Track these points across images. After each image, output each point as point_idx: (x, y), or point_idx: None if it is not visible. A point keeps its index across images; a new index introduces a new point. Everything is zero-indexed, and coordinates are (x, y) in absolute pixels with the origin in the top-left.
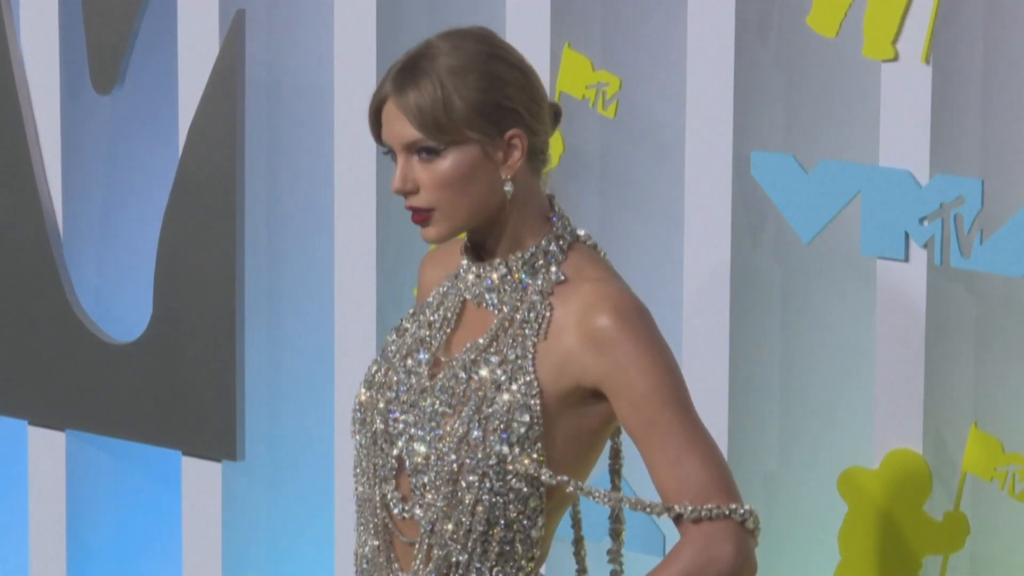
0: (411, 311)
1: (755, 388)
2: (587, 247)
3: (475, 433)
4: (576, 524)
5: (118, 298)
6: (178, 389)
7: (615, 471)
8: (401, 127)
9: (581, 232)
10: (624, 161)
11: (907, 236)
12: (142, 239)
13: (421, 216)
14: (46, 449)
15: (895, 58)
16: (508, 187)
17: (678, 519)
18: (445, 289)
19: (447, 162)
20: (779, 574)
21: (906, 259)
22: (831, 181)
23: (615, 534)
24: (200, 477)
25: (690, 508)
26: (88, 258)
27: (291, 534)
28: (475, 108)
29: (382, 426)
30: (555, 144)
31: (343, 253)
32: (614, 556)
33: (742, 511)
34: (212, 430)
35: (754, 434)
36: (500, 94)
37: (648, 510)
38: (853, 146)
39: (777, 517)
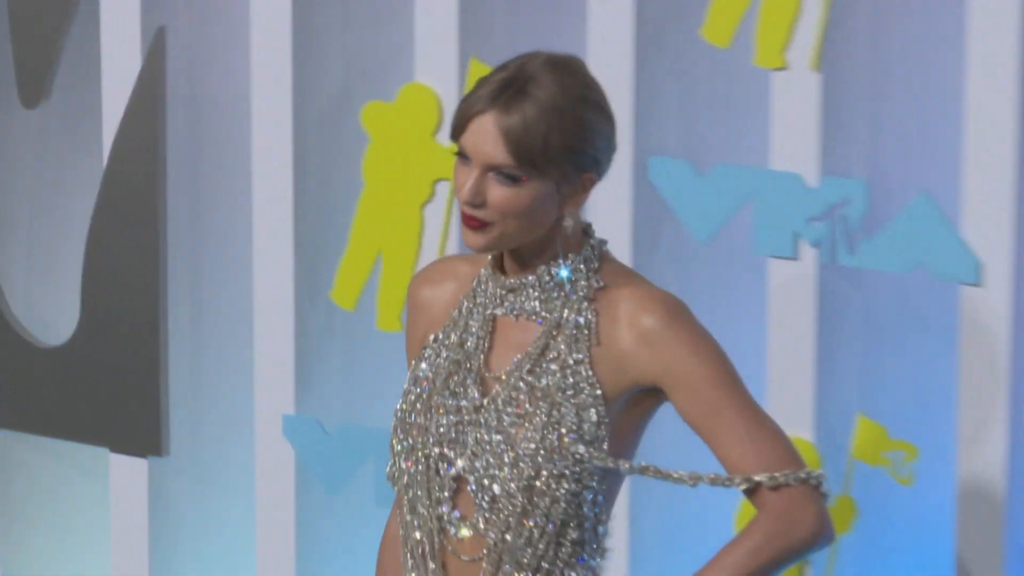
0: (432, 338)
1: None
2: (609, 253)
3: (551, 438)
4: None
5: (46, 303)
6: (105, 389)
7: None
8: (493, 147)
9: (606, 242)
10: None
11: (797, 236)
12: (68, 247)
13: (476, 224)
14: None
15: (785, 67)
16: (568, 221)
17: (757, 489)
18: (466, 310)
19: (524, 191)
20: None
21: (796, 257)
22: (725, 184)
23: None
24: (127, 472)
25: (767, 476)
26: (17, 265)
27: (214, 525)
28: (566, 151)
29: (437, 450)
30: None
31: (261, 258)
32: None
33: (816, 475)
34: (138, 428)
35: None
36: (590, 143)
37: (728, 483)
38: (745, 151)
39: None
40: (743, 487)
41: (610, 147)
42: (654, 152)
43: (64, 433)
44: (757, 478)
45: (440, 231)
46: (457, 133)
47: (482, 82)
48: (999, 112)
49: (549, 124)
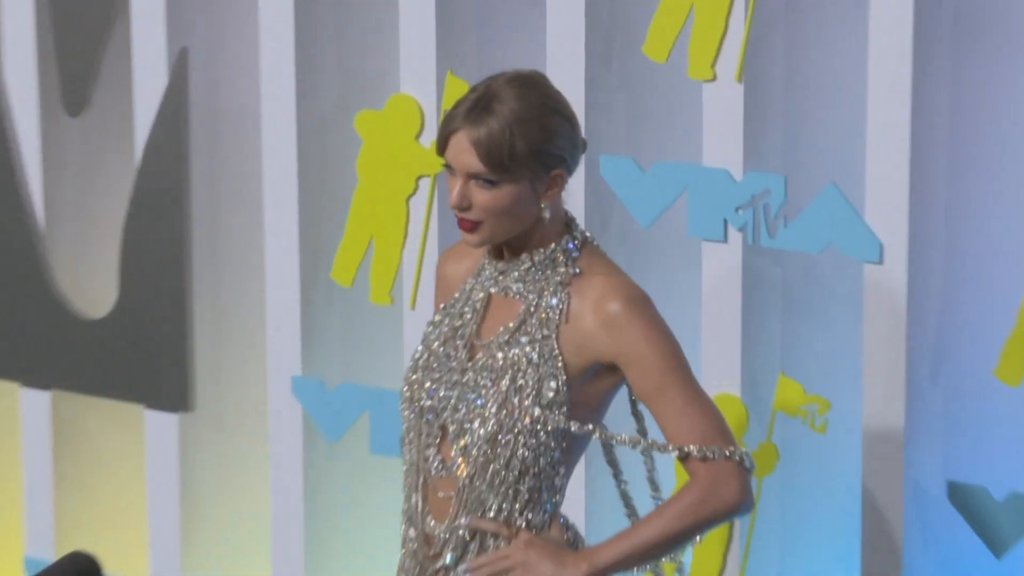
0: (442, 307)
1: None
2: (594, 247)
3: (513, 401)
4: (614, 468)
5: (89, 283)
6: (140, 355)
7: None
8: (468, 158)
9: (588, 234)
10: None
11: (725, 222)
12: (107, 235)
13: (469, 226)
14: (37, 405)
15: (713, 79)
16: (546, 213)
17: (687, 458)
18: (470, 286)
19: (502, 192)
20: None
21: (725, 240)
22: (663, 178)
23: (654, 488)
24: (159, 426)
25: (696, 449)
26: (64, 252)
27: (234, 470)
28: (532, 154)
29: (428, 402)
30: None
31: (271, 243)
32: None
33: (740, 452)
34: (168, 387)
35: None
36: (553, 144)
37: (662, 450)
38: (681, 150)
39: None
40: (676, 455)
41: (574, 145)
42: (603, 151)
43: (106, 393)
44: (688, 449)
45: (423, 220)
46: (441, 150)
47: (457, 104)
48: (896, 116)
49: (513, 133)
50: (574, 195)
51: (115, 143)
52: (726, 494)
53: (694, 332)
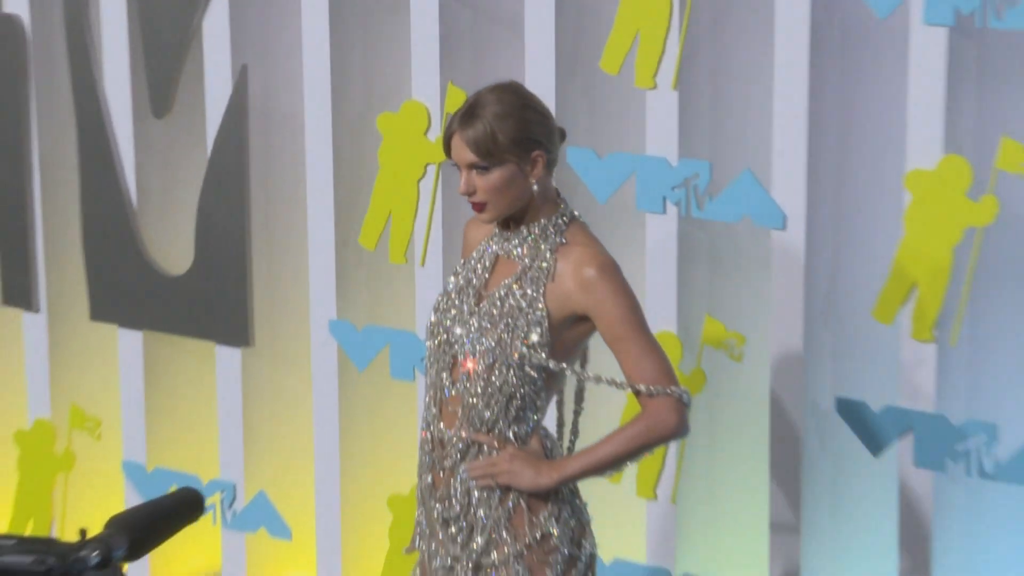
0: (462, 261)
1: None
2: (581, 223)
3: (505, 339)
4: (579, 399)
5: (172, 247)
6: (212, 302)
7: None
8: (465, 153)
9: (576, 212)
10: None
11: (664, 198)
12: (186, 210)
13: (478, 207)
14: (131, 343)
15: (654, 87)
16: (534, 187)
17: (638, 394)
18: (483, 248)
19: (494, 175)
20: None
21: (664, 212)
22: (616, 165)
23: (578, 408)
24: (227, 358)
25: (645, 387)
26: (153, 225)
27: (283, 395)
28: (512, 141)
29: (444, 336)
30: None
31: (313, 217)
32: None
33: (680, 391)
34: (234, 328)
35: None
36: (529, 132)
37: (620, 386)
38: (629, 142)
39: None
40: (629, 391)
41: (550, 131)
42: (570, 144)
43: (185, 332)
44: (639, 387)
45: (430, 198)
46: (447, 151)
47: (454, 113)
48: (795, 116)
49: (494, 128)
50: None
51: (191, 139)
52: (667, 423)
53: (640, 284)
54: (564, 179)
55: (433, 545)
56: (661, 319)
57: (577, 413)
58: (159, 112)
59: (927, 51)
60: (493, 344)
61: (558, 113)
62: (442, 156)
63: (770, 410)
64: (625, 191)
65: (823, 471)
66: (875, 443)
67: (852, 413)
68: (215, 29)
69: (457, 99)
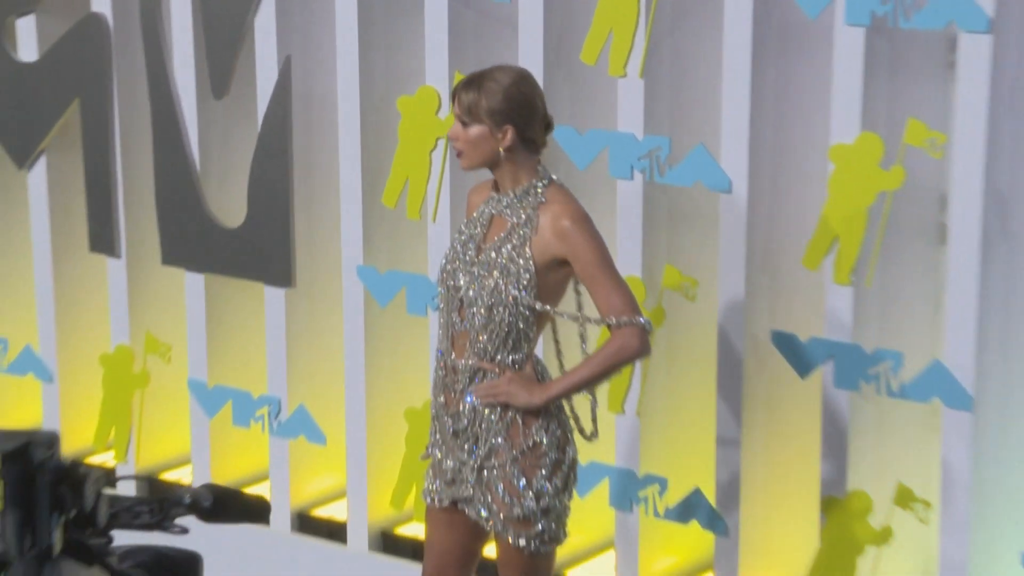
0: (466, 221)
1: None
2: (558, 184)
3: (500, 284)
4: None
5: (229, 205)
6: (260, 250)
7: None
8: (457, 106)
9: (555, 176)
10: None
11: (632, 167)
12: (241, 174)
13: (459, 154)
14: (195, 283)
15: (625, 75)
16: (501, 152)
17: (609, 326)
18: (481, 210)
19: (471, 130)
20: None
21: (631, 178)
22: (593, 139)
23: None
24: (274, 298)
25: (615, 319)
26: (214, 187)
27: (318, 329)
28: (489, 110)
29: (452, 283)
30: None
31: (345, 180)
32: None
33: (643, 320)
34: (279, 271)
35: None
36: (504, 107)
37: (595, 322)
38: (604, 121)
39: None
40: (601, 324)
41: (528, 116)
42: (556, 123)
43: (239, 274)
44: (609, 320)
45: (440, 166)
46: (452, 104)
47: (465, 77)
48: (740, 99)
49: (482, 95)
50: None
51: (244, 116)
52: (633, 347)
53: (611, 237)
54: (552, 150)
55: (444, 451)
56: (629, 266)
57: (557, 344)
58: (218, 94)
59: (848, 46)
60: (492, 288)
61: (547, 97)
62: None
63: (717, 340)
64: (600, 161)
65: (760, 390)
66: (802, 368)
67: (784, 343)
68: (264, 26)
69: None
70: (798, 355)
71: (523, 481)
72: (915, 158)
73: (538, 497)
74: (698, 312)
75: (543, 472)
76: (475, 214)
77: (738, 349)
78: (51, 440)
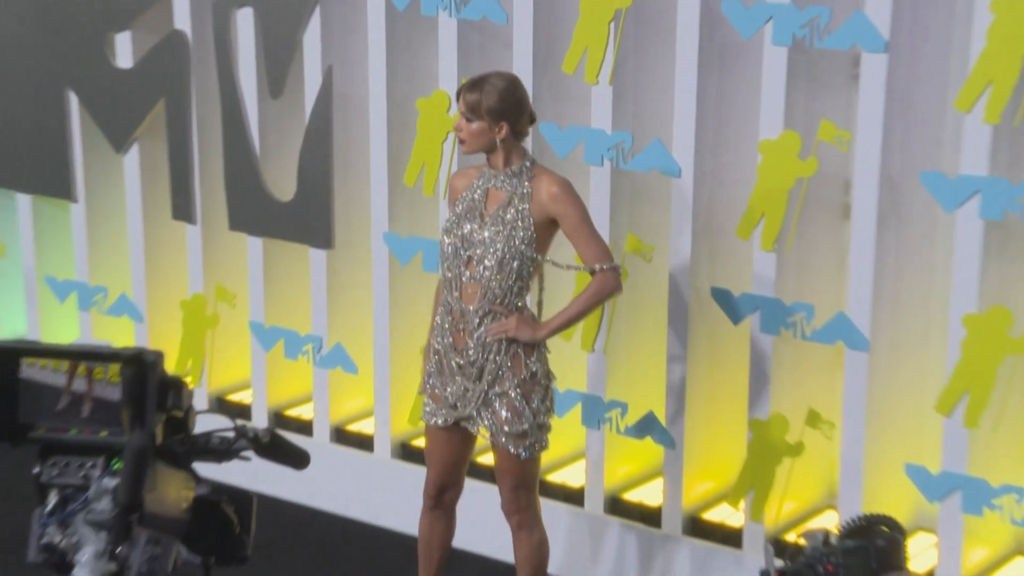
0: (462, 195)
1: None
2: (540, 164)
3: (507, 241)
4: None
5: (283, 182)
6: (307, 218)
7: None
8: (464, 105)
9: (535, 160)
10: None
11: (602, 156)
12: (290, 161)
13: (462, 141)
14: (256, 245)
15: (597, 83)
16: (498, 143)
17: (592, 271)
18: (475, 187)
19: (474, 125)
20: None
21: (602, 165)
22: (572, 134)
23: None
24: (318, 259)
25: (598, 266)
26: (270, 166)
27: (350, 285)
28: (489, 109)
29: (459, 243)
30: None
31: (375, 165)
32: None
33: (617, 264)
34: (321, 234)
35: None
36: (500, 108)
37: (580, 269)
38: (580, 119)
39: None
40: (585, 270)
41: (518, 114)
42: (541, 121)
43: (290, 238)
44: (593, 266)
45: (449, 155)
46: (458, 100)
47: (467, 81)
48: (689, 103)
49: (483, 97)
50: (527, 143)
51: (295, 112)
52: (610, 286)
53: (589, 205)
54: (539, 143)
55: (444, 382)
56: (599, 230)
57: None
58: (274, 95)
59: (774, 61)
60: (503, 244)
61: (534, 99)
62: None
63: (668, 294)
64: (577, 151)
65: (702, 334)
66: (735, 316)
67: (721, 296)
68: (311, 41)
69: None
70: (732, 306)
71: (524, 403)
72: (826, 151)
73: (534, 415)
74: (653, 271)
75: (538, 396)
76: (467, 193)
77: (685, 301)
78: (158, 355)
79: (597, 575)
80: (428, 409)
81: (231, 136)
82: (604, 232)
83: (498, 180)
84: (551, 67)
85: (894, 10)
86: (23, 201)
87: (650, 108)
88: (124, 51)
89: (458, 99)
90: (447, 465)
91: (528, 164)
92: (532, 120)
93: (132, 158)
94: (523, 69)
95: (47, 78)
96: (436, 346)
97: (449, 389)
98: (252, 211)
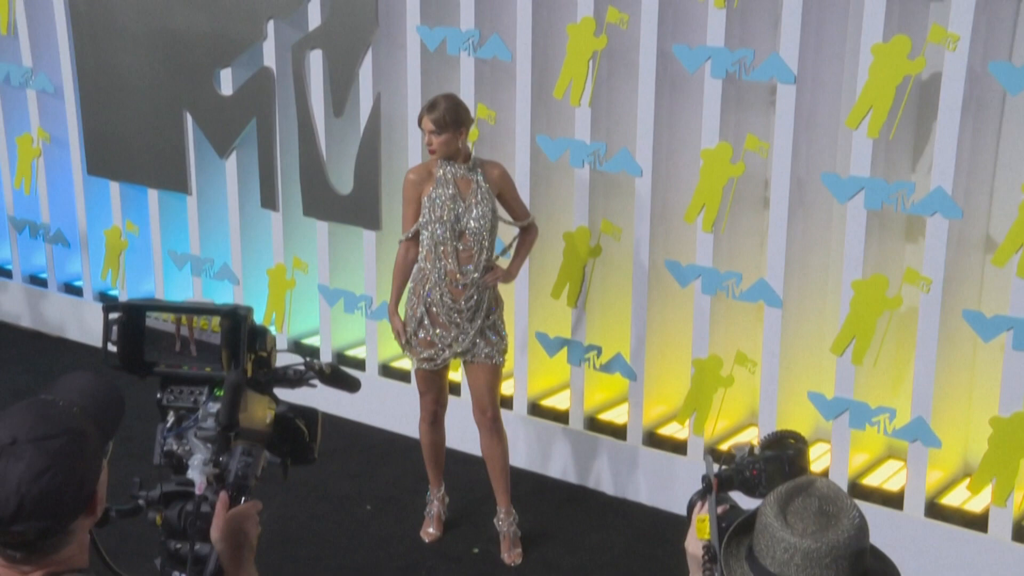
0: (430, 189)
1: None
2: (483, 158)
3: (488, 213)
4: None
5: (343, 179)
6: (362, 206)
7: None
8: (429, 124)
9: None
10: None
11: (583, 160)
12: (351, 161)
13: (432, 151)
14: (322, 229)
15: (580, 105)
16: (462, 146)
17: (524, 223)
18: (443, 179)
19: (442, 136)
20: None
21: (583, 167)
22: (560, 144)
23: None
24: (369, 238)
25: (528, 220)
26: (333, 168)
27: (386, 255)
28: (452, 121)
29: (453, 218)
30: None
31: (411, 162)
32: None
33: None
34: (370, 217)
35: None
36: (458, 118)
37: (515, 223)
38: (567, 132)
39: None
40: (520, 223)
41: (468, 120)
42: (537, 133)
43: (349, 222)
44: (524, 222)
45: None
46: (420, 123)
47: (425, 106)
48: (648, 118)
49: (444, 113)
50: (522, 151)
51: (352, 128)
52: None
53: (568, 203)
54: (535, 150)
55: (432, 330)
56: (579, 219)
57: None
58: (337, 114)
59: (712, 90)
60: (490, 217)
61: (533, 118)
62: (473, 138)
63: (633, 267)
64: (564, 156)
65: (657, 295)
66: (683, 281)
67: (672, 267)
68: (365, 73)
69: (484, 113)
70: (680, 274)
71: (503, 327)
72: (751, 158)
73: (502, 331)
74: (621, 248)
75: (501, 319)
76: (438, 186)
77: (645, 270)
78: (248, 309)
79: (578, 477)
80: (425, 355)
81: (305, 145)
82: (584, 218)
83: (462, 171)
84: (545, 93)
85: (801, 52)
86: (151, 194)
87: (619, 124)
88: (227, 82)
89: (420, 123)
90: (436, 393)
91: (478, 158)
92: (473, 123)
93: (232, 161)
94: (523, 94)
95: (169, 102)
96: (425, 306)
97: (438, 332)
98: (320, 201)
